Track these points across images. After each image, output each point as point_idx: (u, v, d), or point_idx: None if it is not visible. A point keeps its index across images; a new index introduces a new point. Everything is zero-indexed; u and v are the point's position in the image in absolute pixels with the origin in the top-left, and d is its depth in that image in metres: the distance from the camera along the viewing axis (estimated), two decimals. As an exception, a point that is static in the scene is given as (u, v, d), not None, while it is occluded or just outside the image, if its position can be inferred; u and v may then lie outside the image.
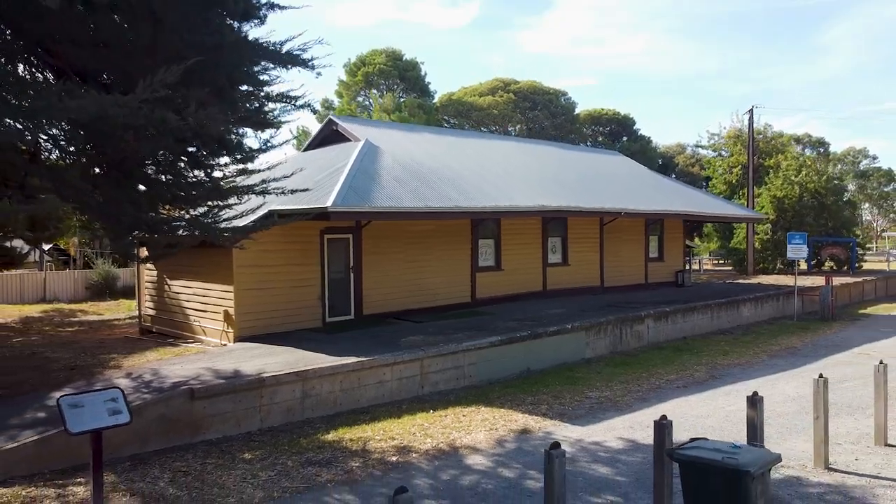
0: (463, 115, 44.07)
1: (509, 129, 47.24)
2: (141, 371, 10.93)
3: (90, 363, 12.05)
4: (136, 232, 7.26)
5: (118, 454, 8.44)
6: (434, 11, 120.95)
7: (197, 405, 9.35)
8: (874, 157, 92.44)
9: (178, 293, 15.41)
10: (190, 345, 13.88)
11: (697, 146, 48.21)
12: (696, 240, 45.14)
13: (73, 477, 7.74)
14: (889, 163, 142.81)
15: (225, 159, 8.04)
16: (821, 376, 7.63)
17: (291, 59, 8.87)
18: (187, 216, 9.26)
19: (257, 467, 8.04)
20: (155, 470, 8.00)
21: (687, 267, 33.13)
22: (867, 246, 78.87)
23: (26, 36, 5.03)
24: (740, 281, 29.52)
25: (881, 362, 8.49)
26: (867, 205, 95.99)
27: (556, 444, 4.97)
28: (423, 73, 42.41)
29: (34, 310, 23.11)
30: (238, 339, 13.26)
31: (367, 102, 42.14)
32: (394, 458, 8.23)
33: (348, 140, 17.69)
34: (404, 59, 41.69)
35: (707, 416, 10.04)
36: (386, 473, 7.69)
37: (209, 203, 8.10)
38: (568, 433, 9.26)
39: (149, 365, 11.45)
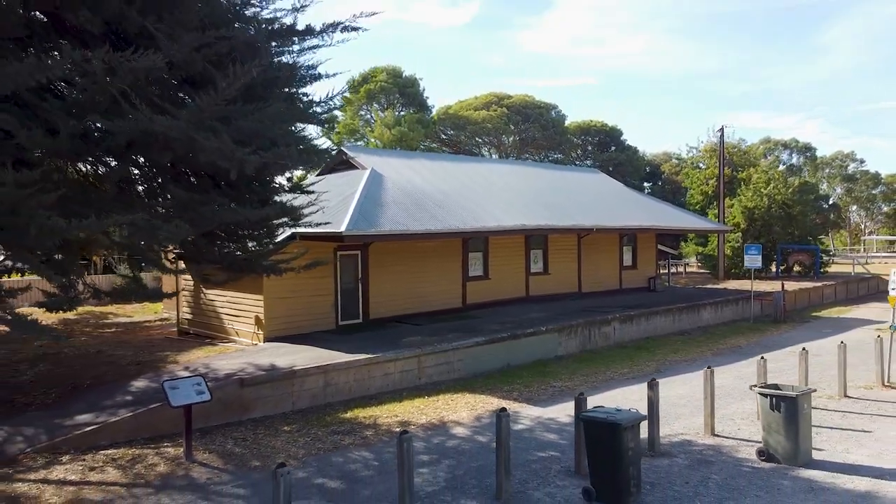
0: (459, 128, 46.86)
1: (503, 139, 50.01)
2: (195, 365, 13.71)
3: (150, 359, 14.81)
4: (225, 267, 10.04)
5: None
6: (434, 11, 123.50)
7: (245, 391, 12.13)
8: (861, 161, 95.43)
9: (212, 300, 18.16)
10: (227, 344, 16.64)
11: (678, 158, 51.01)
12: (682, 244, 47.93)
13: (160, 442, 10.48)
14: (877, 166, 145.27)
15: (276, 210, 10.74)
16: (709, 367, 10.42)
17: (319, 121, 11.65)
18: (234, 246, 12.01)
19: (296, 436, 10.82)
20: (220, 438, 10.77)
21: (663, 271, 35.94)
22: (855, 248, 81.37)
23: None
24: (710, 286, 32.28)
25: (762, 358, 11.28)
26: (855, 207, 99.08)
27: (504, 409, 7.76)
28: (421, 88, 45.21)
29: (68, 313, 25.69)
30: (267, 339, 16.03)
31: (368, 116, 44.88)
32: (397, 429, 10.97)
33: (356, 168, 20.45)
34: (404, 75, 44.47)
35: (641, 399, 12.64)
36: (392, 439, 10.44)
37: (259, 239, 10.84)
38: (530, 412, 12.06)
39: (200, 360, 14.23)
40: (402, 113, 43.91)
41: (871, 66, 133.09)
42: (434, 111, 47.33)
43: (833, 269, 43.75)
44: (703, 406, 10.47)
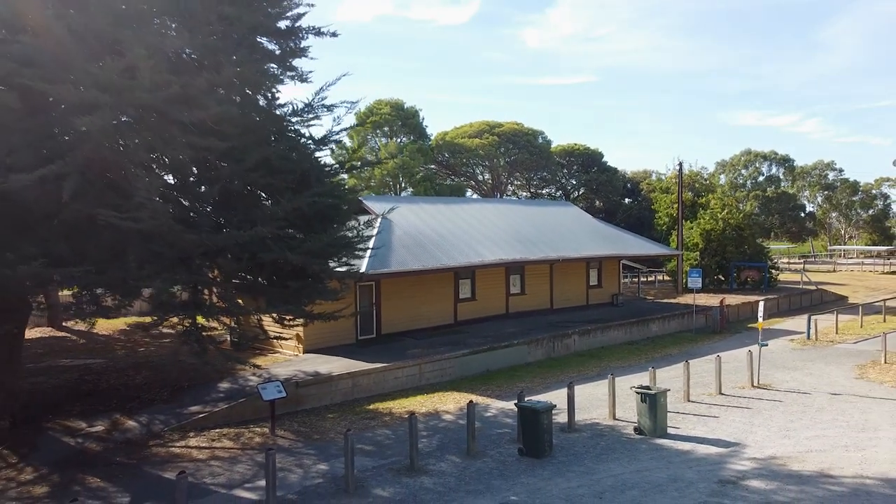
0: (455, 153, 52.19)
1: (495, 162, 55.33)
2: (260, 371, 19.01)
3: (224, 367, 20.07)
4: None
5: (263, 415, 16.40)
6: (435, 9, 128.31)
7: (300, 390, 17.42)
8: (841, 170, 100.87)
9: (260, 319, 23.42)
10: (275, 355, 21.91)
11: (647, 184, 56.50)
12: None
13: (248, 425, 15.75)
14: (875, 165, 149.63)
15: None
16: (611, 375, 15.72)
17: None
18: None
19: (337, 420, 16.11)
20: (287, 421, 16.04)
21: (633, 280, 41.12)
22: (835, 256, 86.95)
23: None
24: (667, 300, 37.53)
25: (652, 368, 16.56)
26: (835, 214, 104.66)
27: (471, 402, 13.06)
28: (421, 118, 50.60)
29: (117, 323, 30.05)
30: (305, 351, 21.31)
31: (373, 144, 50.18)
32: (406, 415, 16.27)
33: (368, 213, 25.72)
34: (405, 108, 49.82)
35: (577, 396, 18.07)
36: (403, 422, 15.71)
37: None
38: (497, 404, 17.37)
39: (262, 368, 19.52)
40: (403, 141, 49.22)
41: (871, 64, 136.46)
42: (433, 137, 52.67)
43: (793, 276, 49.16)
44: (608, 400, 15.79)
